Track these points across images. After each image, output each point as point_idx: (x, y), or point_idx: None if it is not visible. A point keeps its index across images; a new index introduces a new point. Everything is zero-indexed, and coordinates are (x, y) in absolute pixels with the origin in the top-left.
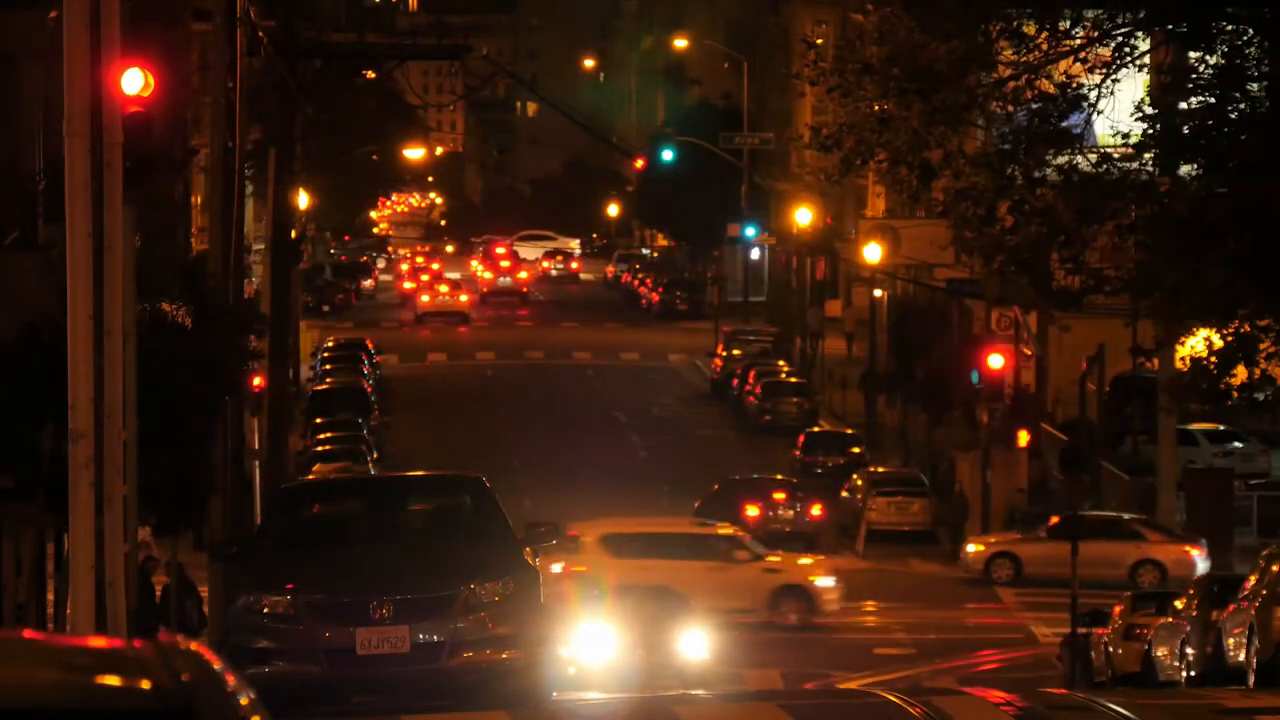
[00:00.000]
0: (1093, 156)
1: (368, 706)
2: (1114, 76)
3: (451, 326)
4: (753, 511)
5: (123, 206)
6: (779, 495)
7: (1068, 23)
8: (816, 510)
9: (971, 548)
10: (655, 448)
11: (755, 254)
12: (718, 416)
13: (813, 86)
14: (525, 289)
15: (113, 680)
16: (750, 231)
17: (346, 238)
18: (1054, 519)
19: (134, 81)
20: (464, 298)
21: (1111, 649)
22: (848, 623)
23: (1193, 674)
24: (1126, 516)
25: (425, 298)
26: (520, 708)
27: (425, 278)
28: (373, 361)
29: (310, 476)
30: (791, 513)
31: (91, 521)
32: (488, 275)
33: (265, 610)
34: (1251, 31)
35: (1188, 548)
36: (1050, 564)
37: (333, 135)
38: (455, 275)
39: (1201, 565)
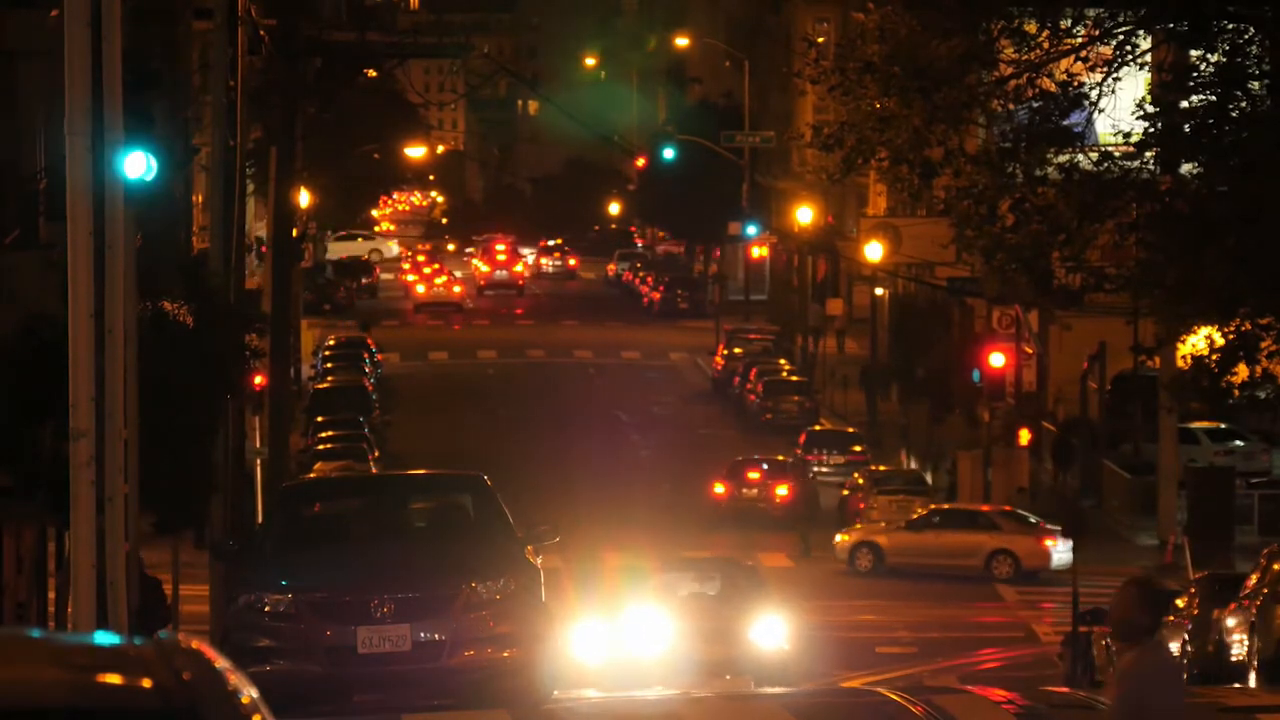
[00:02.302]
0: (1094, 155)
1: (368, 705)
2: (1115, 75)
3: (447, 315)
4: (719, 489)
5: (123, 205)
6: (753, 474)
7: (1069, 21)
8: (783, 490)
9: (838, 538)
10: (656, 446)
11: (757, 252)
12: (719, 415)
13: (814, 85)
14: (521, 282)
15: (114, 679)
16: (751, 230)
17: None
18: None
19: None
20: (458, 289)
21: (1113, 647)
22: (849, 621)
23: (1194, 672)
24: (989, 508)
25: (421, 288)
26: (521, 706)
27: (427, 271)
28: (374, 360)
29: (311, 475)
30: (755, 491)
31: (92, 520)
32: (485, 269)
33: (266, 609)
34: (1252, 30)
35: (1043, 539)
36: (909, 554)
37: (334, 134)
38: (457, 273)
39: (1059, 556)
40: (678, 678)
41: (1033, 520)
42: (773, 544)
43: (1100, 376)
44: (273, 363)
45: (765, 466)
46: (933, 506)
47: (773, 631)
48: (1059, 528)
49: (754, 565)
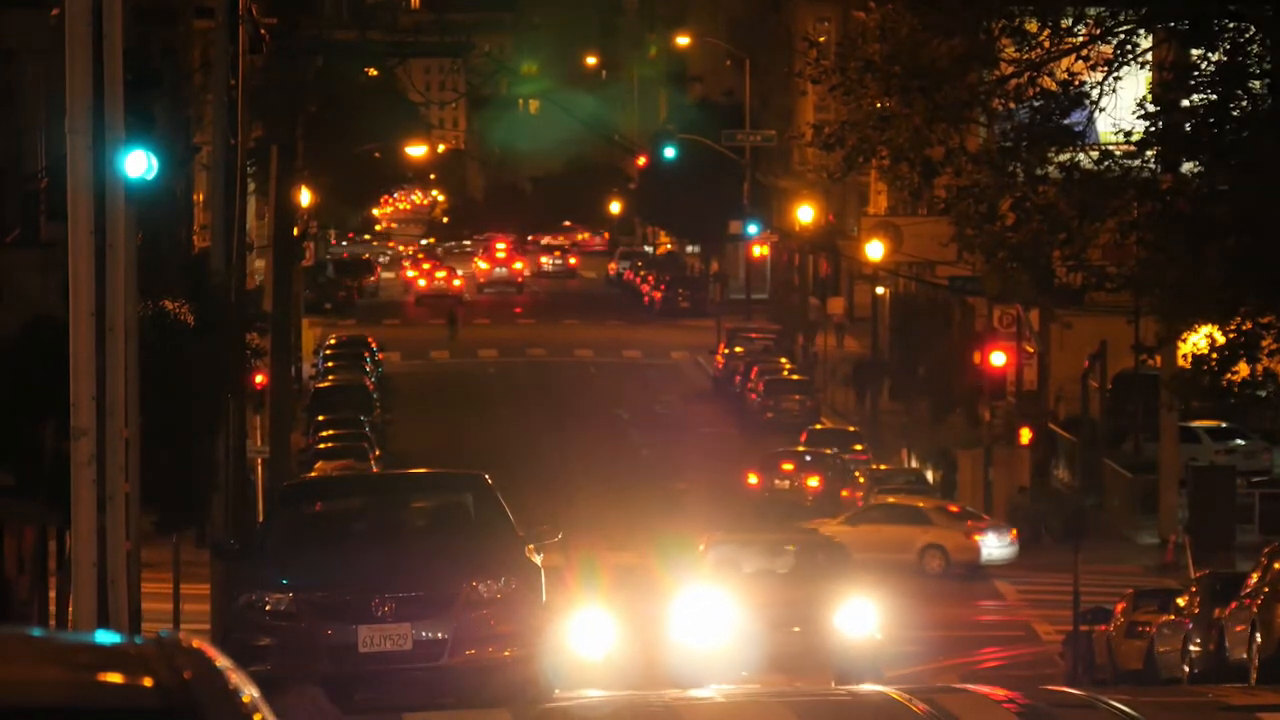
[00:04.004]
0: (1094, 154)
1: (369, 704)
2: (1116, 74)
3: (447, 308)
4: (753, 480)
5: (124, 204)
6: (787, 466)
7: (1070, 20)
8: (814, 482)
9: None
10: (657, 445)
11: (757, 251)
12: (720, 414)
13: (814, 84)
14: (520, 279)
15: (114, 678)
16: (752, 229)
17: (351, 235)
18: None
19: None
20: (457, 282)
21: (1114, 646)
22: None
23: (1195, 671)
24: (928, 503)
25: (422, 282)
26: (522, 705)
27: (426, 266)
28: (375, 359)
29: (312, 474)
30: (788, 483)
31: (93, 519)
32: (485, 266)
33: (267, 608)
34: (1253, 29)
35: (972, 534)
36: (850, 547)
37: (335, 133)
38: (459, 270)
39: (988, 551)
40: (737, 673)
41: (970, 515)
42: None
43: (1101, 375)
44: (274, 361)
45: (809, 458)
46: (889, 500)
47: (861, 617)
48: (1000, 523)
49: (836, 538)
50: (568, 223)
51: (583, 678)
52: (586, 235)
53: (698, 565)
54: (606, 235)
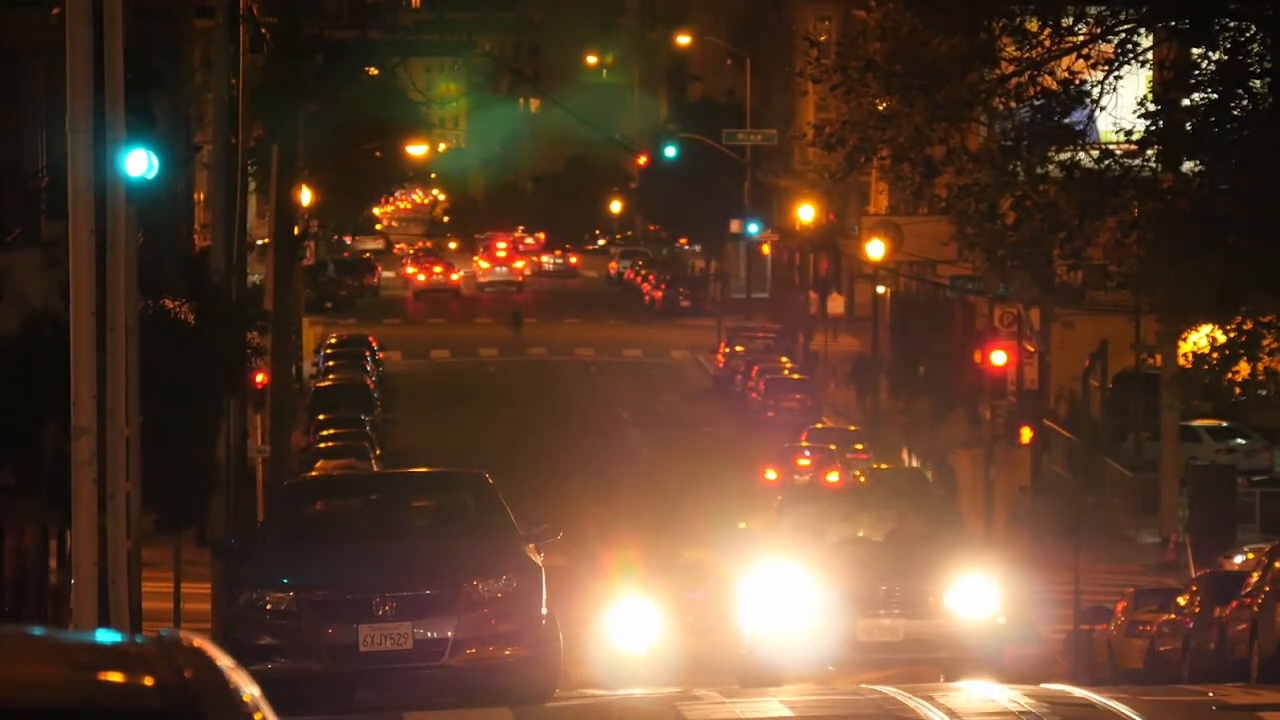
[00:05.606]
0: (1095, 153)
1: (370, 703)
2: (1116, 73)
3: (446, 301)
4: (771, 475)
5: (125, 203)
6: (803, 461)
7: (1070, 19)
8: (834, 476)
9: (741, 525)
10: (658, 444)
11: (762, 250)
12: (720, 413)
13: (815, 83)
14: (520, 278)
15: (115, 677)
16: (753, 228)
17: (348, 237)
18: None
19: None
20: (455, 276)
21: (1114, 645)
22: None
23: (1195, 670)
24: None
25: (421, 277)
26: (522, 705)
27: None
28: (375, 358)
29: (313, 473)
30: (807, 478)
31: (94, 518)
32: (485, 265)
33: (268, 607)
34: (1254, 28)
35: None
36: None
37: (335, 132)
38: (457, 267)
39: None
40: (821, 667)
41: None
42: None
43: (1102, 374)
44: (274, 360)
45: (820, 453)
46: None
47: (980, 597)
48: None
49: (946, 495)
50: (520, 227)
51: (627, 673)
52: (520, 232)
53: (771, 533)
54: (543, 236)
